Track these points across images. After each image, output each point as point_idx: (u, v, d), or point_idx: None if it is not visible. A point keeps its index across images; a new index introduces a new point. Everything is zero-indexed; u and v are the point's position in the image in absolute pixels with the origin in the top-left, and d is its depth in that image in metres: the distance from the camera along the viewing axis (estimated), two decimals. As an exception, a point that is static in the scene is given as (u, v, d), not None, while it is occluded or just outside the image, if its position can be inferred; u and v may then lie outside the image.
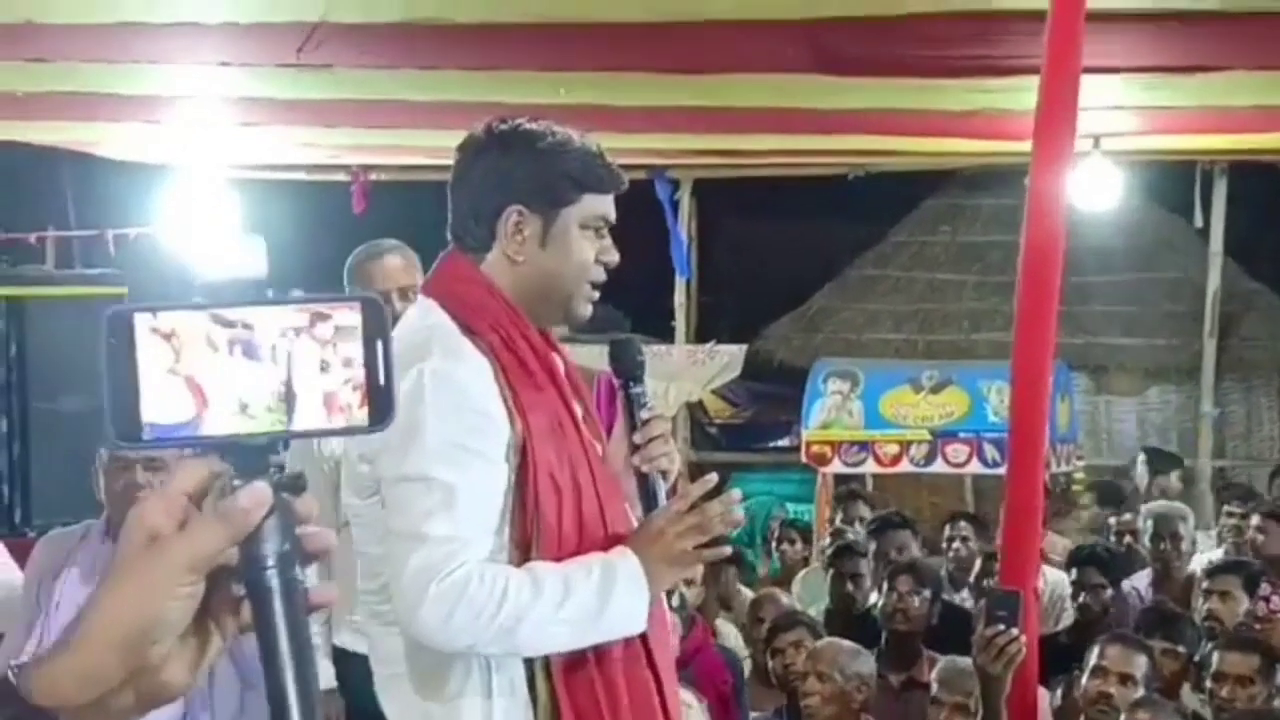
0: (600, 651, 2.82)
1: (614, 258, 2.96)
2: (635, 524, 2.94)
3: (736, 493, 2.98)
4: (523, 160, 2.88)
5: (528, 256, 2.89)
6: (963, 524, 8.13)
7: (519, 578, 2.73)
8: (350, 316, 1.32)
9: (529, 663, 2.80)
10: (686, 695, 5.95)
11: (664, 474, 2.96)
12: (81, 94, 7.34)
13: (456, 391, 2.76)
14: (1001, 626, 4.33)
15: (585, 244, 2.91)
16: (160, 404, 1.29)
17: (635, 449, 2.96)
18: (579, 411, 2.94)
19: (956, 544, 7.98)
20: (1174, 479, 9.61)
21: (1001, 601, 4.44)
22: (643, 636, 2.86)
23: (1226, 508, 8.42)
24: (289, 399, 1.30)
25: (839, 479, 9.94)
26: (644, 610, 2.81)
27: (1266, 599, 5.77)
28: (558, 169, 2.88)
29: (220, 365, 1.29)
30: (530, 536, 2.77)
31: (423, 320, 2.91)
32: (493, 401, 2.78)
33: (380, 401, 1.32)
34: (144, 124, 8.27)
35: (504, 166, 2.89)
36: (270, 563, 1.28)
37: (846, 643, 5.78)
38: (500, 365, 2.81)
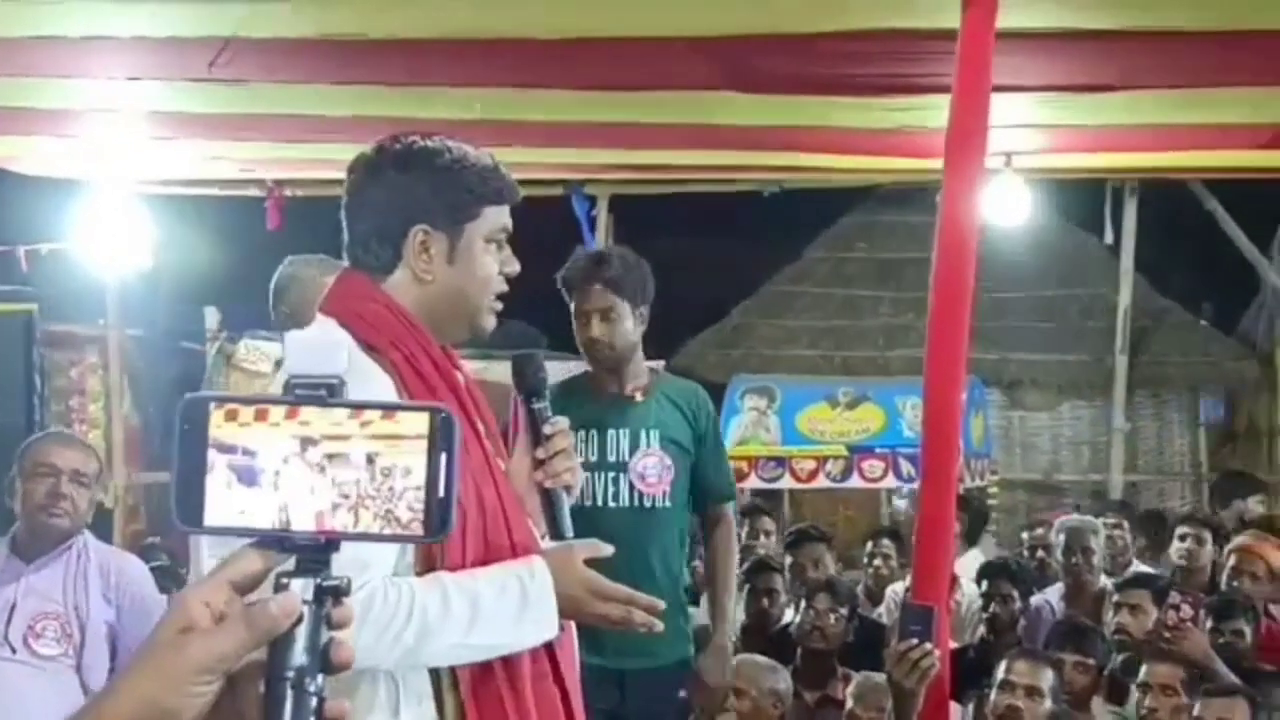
0: (509, 666, 2.80)
1: (515, 268, 2.96)
2: (539, 540, 2.93)
3: (660, 604, 2.97)
4: (423, 179, 2.87)
5: (436, 274, 2.88)
6: (885, 541, 8.17)
7: (425, 594, 2.71)
8: (418, 424, 1.33)
9: (435, 677, 2.79)
10: None
11: (568, 489, 2.96)
12: (-9, 108, 7.27)
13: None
14: (915, 641, 4.36)
15: (489, 258, 2.92)
16: (223, 499, 1.32)
17: (539, 464, 2.95)
18: (482, 429, 2.94)
19: (878, 561, 8.02)
20: (1252, 503, 9.60)
21: (916, 616, 4.46)
22: (550, 650, 2.86)
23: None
24: (344, 503, 1.32)
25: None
26: (554, 625, 2.81)
27: (1177, 608, 5.83)
28: (459, 185, 2.88)
29: (282, 467, 1.32)
30: (434, 553, 2.76)
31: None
32: None
33: (437, 512, 1.33)
34: (56, 138, 8.18)
35: (405, 186, 2.88)
36: (287, 674, 1.30)
37: (763, 659, 5.80)
38: (402, 381, 2.80)
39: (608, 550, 2.93)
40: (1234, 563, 6.97)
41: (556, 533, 2.98)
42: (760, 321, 12.88)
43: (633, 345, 5.06)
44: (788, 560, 7.63)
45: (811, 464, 9.54)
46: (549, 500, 2.95)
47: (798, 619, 6.61)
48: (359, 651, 2.63)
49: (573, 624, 2.97)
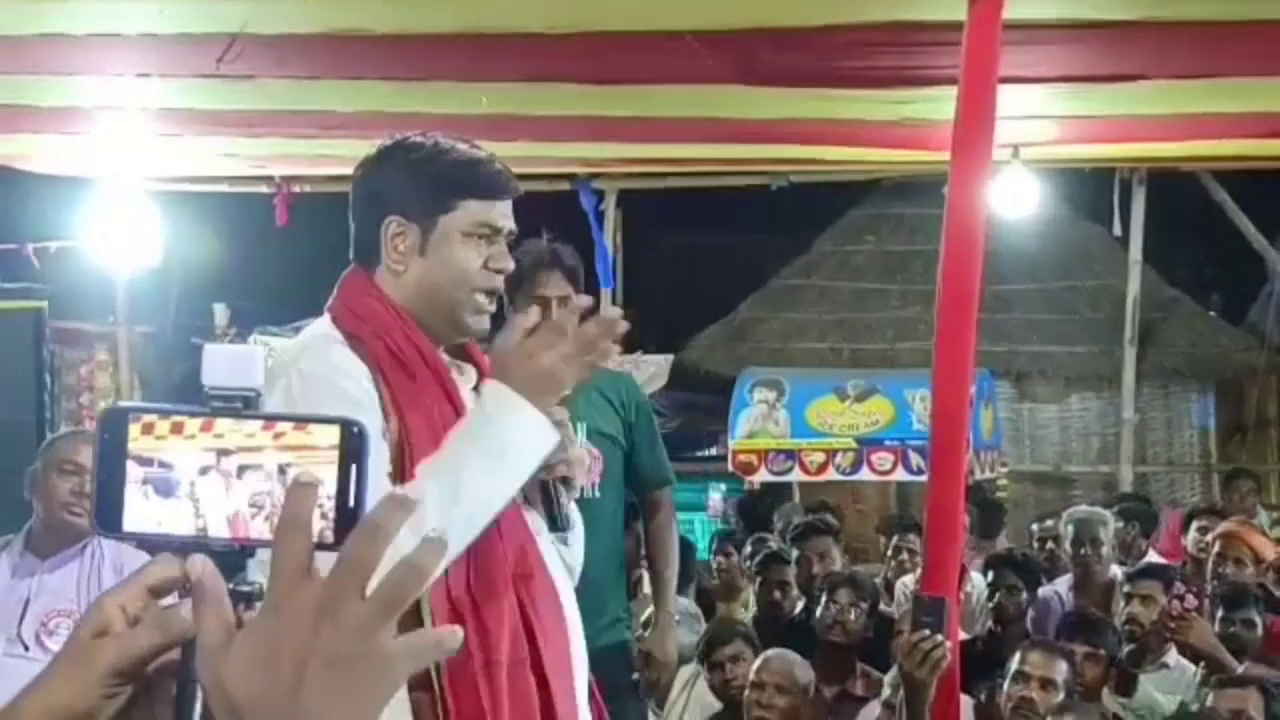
0: (486, 648, 2.79)
1: (506, 264, 2.95)
2: (534, 531, 2.93)
3: (615, 311, 2.92)
4: (396, 171, 2.91)
5: (408, 266, 2.90)
6: (910, 536, 8.04)
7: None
8: (329, 436, 1.36)
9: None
10: None
11: (566, 482, 2.94)
12: (0, 106, 7.27)
13: (325, 389, 2.76)
14: (927, 632, 4.37)
15: (469, 251, 2.90)
16: (141, 508, 1.36)
17: None
18: None
19: (903, 555, 7.94)
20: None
21: (927, 607, 4.47)
22: (531, 638, 2.84)
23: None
24: (258, 512, 1.35)
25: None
26: (538, 421, 2.74)
27: (1181, 598, 5.84)
28: (429, 177, 2.89)
29: (198, 478, 1.35)
30: None
31: (304, 334, 3.00)
32: (366, 398, 2.78)
33: (348, 523, 1.34)
34: (64, 136, 8.19)
35: (379, 178, 2.93)
36: (197, 675, 1.31)
37: (790, 653, 5.77)
38: (380, 370, 2.82)
39: (530, 317, 2.84)
40: (1219, 549, 6.99)
41: (555, 526, 2.98)
42: (769, 315, 12.87)
43: None
44: (794, 553, 7.63)
45: (821, 457, 9.55)
46: (546, 494, 2.95)
47: (818, 612, 6.61)
48: None
49: (567, 620, 2.94)
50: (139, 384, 11.66)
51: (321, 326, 2.93)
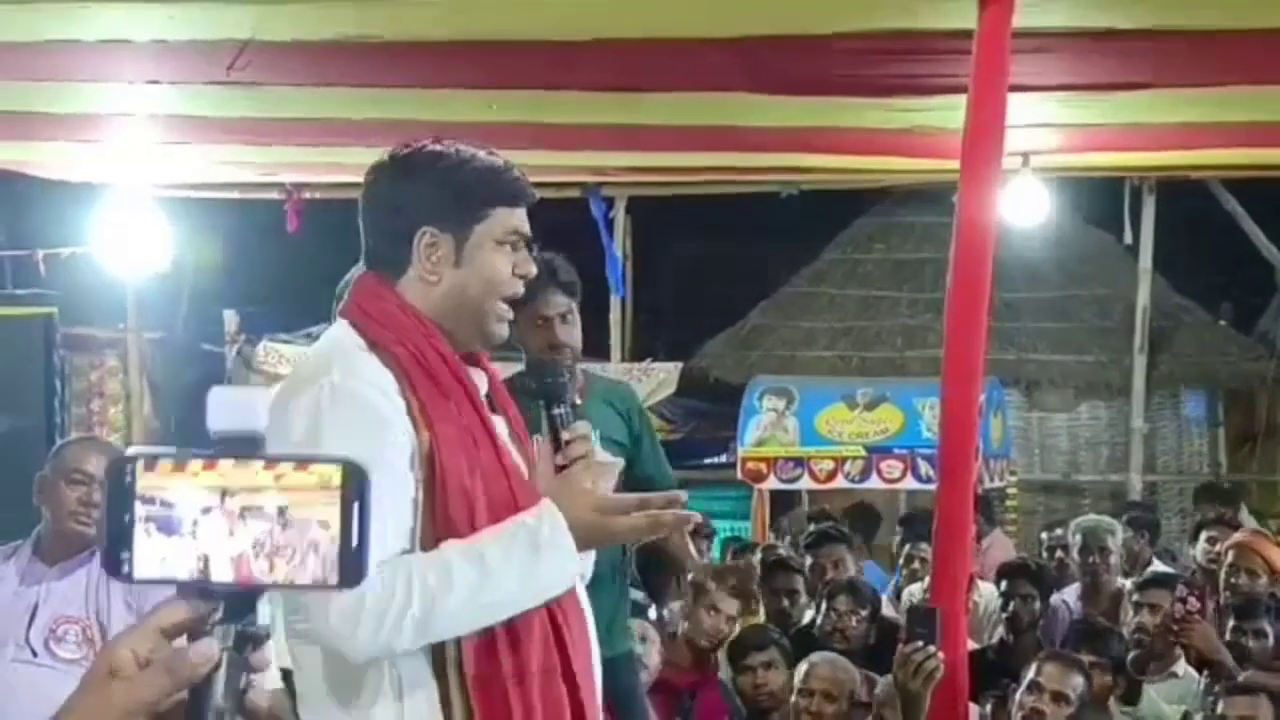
0: (517, 659, 2.79)
1: (531, 270, 2.96)
2: None
3: (681, 495, 2.94)
4: (428, 181, 2.89)
5: (442, 276, 2.89)
6: (923, 545, 8.03)
7: (424, 566, 2.70)
8: (330, 476, 1.38)
9: (443, 678, 2.79)
10: None
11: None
12: (10, 113, 7.28)
13: (356, 405, 2.75)
14: (920, 643, 4.36)
15: (501, 259, 2.91)
16: (145, 547, 1.38)
17: (560, 469, 2.94)
18: (502, 428, 2.94)
19: (916, 564, 7.94)
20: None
21: (920, 618, 4.46)
22: (561, 646, 2.85)
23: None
24: (260, 552, 1.37)
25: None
26: (574, 562, 2.79)
27: (1184, 600, 5.84)
28: (464, 186, 2.88)
29: (200, 517, 1.37)
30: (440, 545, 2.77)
31: (327, 340, 2.94)
32: (395, 413, 2.77)
33: (350, 563, 1.36)
34: (74, 143, 8.21)
35: (410, 189, 2.90)
36: (206, 716, 1.35)
37: (841, 659, 5.74)
38: (407, 378, 2.81)
39: (616, 465, 2.92)
40: (1232, 559, 6.97)
41: None
42: (778, 323, 12.87)
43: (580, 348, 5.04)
44: (808, 561, 7.62)
45: (830, 464, 9.55)
46: None
47: (819, 620, 6.60)
48: (362, 645, 2.66)
49: (589, 627, 2.96)
50: (148, 390, 11.67)
51: (342, 333, 2.90)
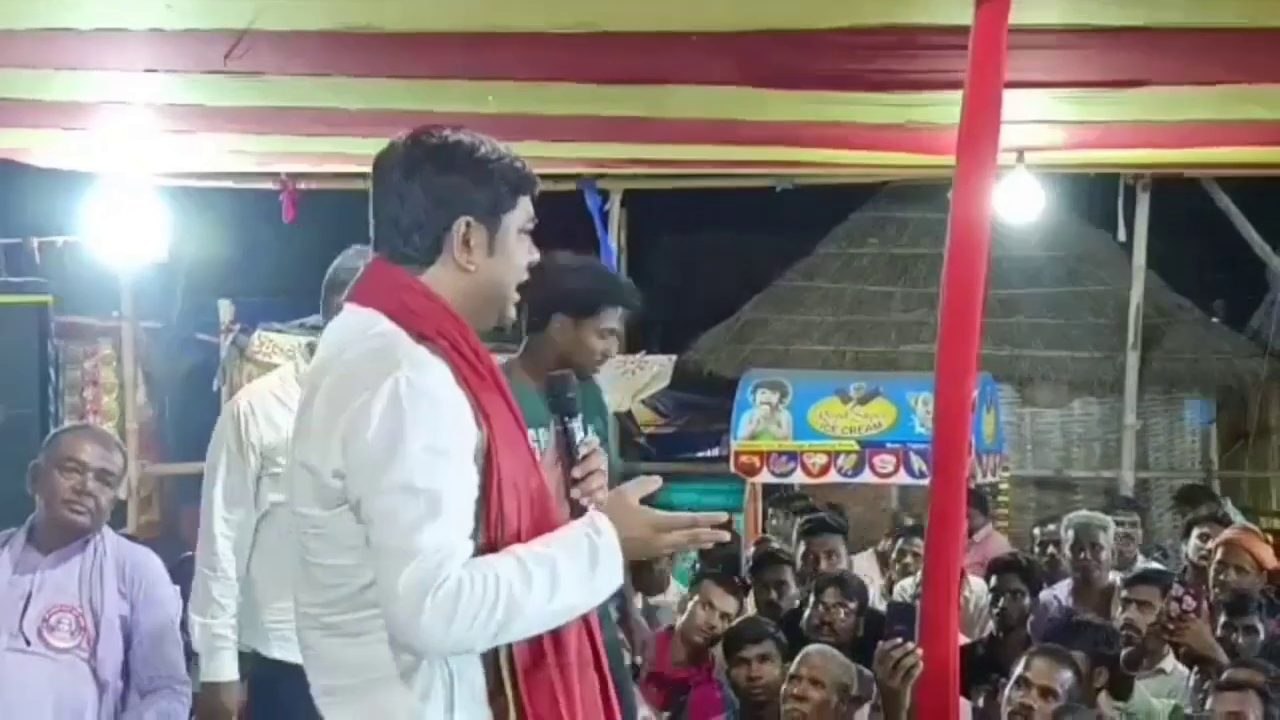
0: (560, 651, 2.86)
1: (536, 257, 3.03)
2: None
3: (722, 516, 3.04)
4: (466, 172, 2.91)
5: (478, 265, 2.92)
6: (917, 540, 7.99)
7: (508, 571, 2.74)
8: None
9: (494, 669, 2.82)
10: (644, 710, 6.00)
11: (600, 506, 2.97)
12: (6, 100, 7.28)
13: (432, 398, 2.77)
14: (899, 640, 4.37)
15: (523, 247, 2.99)
16: None
17: (575, 482, 3.02)
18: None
19: (908, 559, 7.92)
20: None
21: (899, 614, 4.48)
22: (592, 638, 2.93)
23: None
24: None
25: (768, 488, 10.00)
26: (620, 574, 2.87)
27: (1179, 600, 5.86)
28: (498, 177, 2.93)
29: None
30: (495, 541, 2.79)
31: (372, 331, 2.90)
32: (463, 405, 2.81)
33: None
34: (69, 131, 8.20)
35: (449, 181, 2.91)
36: None
37: (837, 653, 5.76)
38: (458, 371, 2.83)
39: (656, 483, 2.99)
40: (1221, 556, 7.01)
41: None
42: (772, 317, 12.86)
43: None
44: (801, 548, 7.62)
45: (823, 459, 9.55)
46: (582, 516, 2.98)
47: (806, 613, 6.62)
48: (453, 638, 2.70)
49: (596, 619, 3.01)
50: (142, 378, 11.67)
51: (385, 324, 2.89)
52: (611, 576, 2.84)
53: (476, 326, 2.96)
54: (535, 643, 2.83)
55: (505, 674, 2.82)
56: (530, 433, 3.01)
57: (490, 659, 2.83)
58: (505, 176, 2.94)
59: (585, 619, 2.92)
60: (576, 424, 3.05)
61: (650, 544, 2.93)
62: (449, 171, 2.91)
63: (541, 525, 2.86)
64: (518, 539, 2.80)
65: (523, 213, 2.97)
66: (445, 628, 2.69)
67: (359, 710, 2.87)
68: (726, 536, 3.07)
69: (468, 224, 2.90)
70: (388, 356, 2.81)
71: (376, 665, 2.84)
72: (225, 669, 4.98)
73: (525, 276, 3.01)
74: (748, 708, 5.99)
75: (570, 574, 2.78)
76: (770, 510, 9.64)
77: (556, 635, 2.85)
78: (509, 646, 2.81)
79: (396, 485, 2.72)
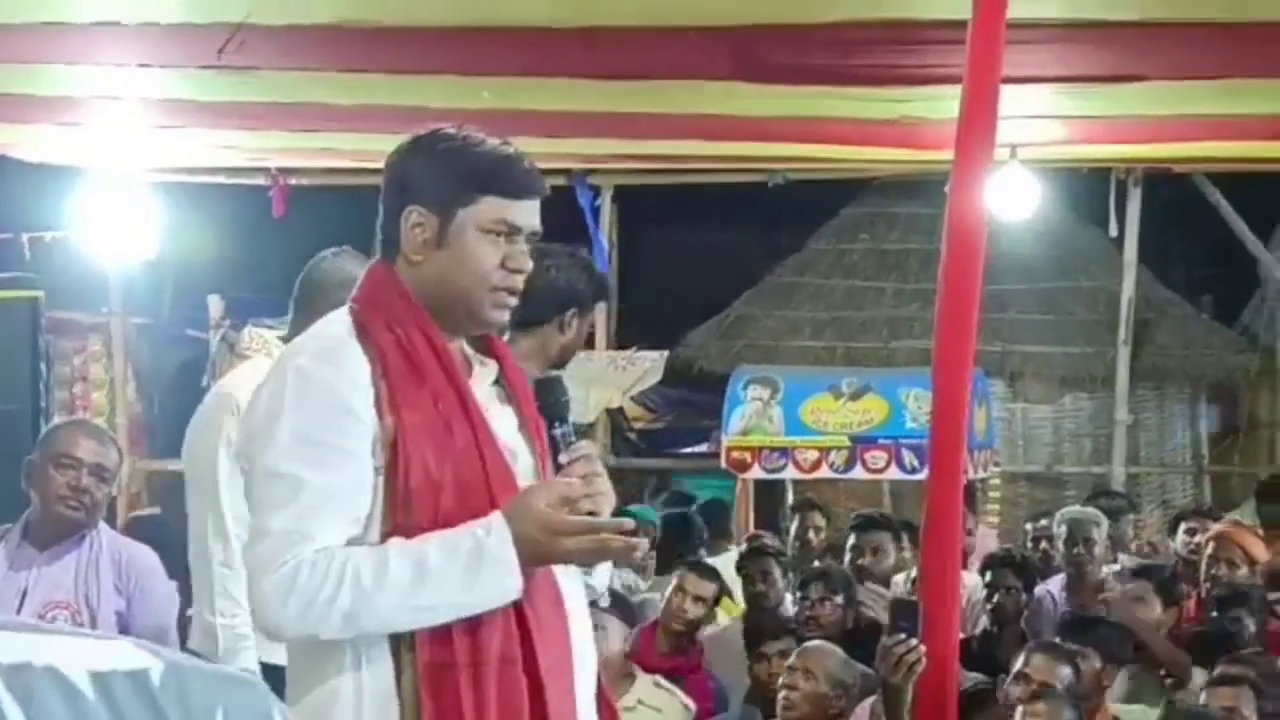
0: (475, 648, 2.77)
1: (523, 264, 2.92)
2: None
3: (629, 523, 2.90)
4: (422, 161, 2.90)
5: (425, 257, 2.88)
6: (877, 533, 7.92)
7: (361, 560, 2.71)
8: None
9: (397, 661, 2.78)
10: (674, 698, 5.99)
11: (591, 515, 2.88)
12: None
13: (318, 389, 2.77)
14: (902, 636, 4.37)
15: (486, 248, 2.88)
16: None
17: None
18: (508, 418, 2.93)
19: (867, 557, 7.87)
20: None
21: (903, 611, 4.47)
22: (526, 636, 2.81)
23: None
24: None
25: (759, 484, 10.00)
26: (517, 578, 2.77)
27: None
28: (454, 169, 2.87)
29: None
30: (402, 531, 2.77)
31: (316, 325, 2.96)
32: (360, 400, 2.78)
33: None
34: (60, 126, 8.19)
35: (405, 168, 2.92)
36: None
37: (837, 649, 5.75)
38: (382, 365, 2.81)
39: (577, 486, 2.86)
40: (1212, 550, 7.03)
41: None
42: (763, 312, 12.85)
43: None
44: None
45: (815, 455, 9.54)
46: None
47: (794, 608, 6.63)
48: (288, 623, 2.68)
49: (571, 621, 2.94)
50: (133, 375, 11.66)
51: (334, 319, 2.92)
52: (502, 579, 2.75)
53: (450, 326, 2.91)
54: (444, 642, 2.76)
55: (407, 664, 2.76)
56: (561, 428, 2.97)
57: (395, 647, 2.77)
58: (465, 170, 2.87)
59: (520, 617, 2.81)
60: (564, 430, 2.96)
61: (551, 549, 2.79)
62: (409, 160, 2.92)
63: (479, 515, 2.80)
64: (435, 528, 2.77)
65: (487, 212, 2.86)
66: (281, 610, 2.70)
67: (290, 697, 2.87)
68: (642, 546, 2.96)
69: (417, 212, 2.87)
70: (297, 347, 2.88)
71: (293, 654, 2.88)
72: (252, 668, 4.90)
73: (500, 282, 2.89)
74: (767, 703, 5.97)
75: (443, 572, 2.71)
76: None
77: (473, 634, 2.77)
78: (412, 638, 2.76)
79: (264, 468, 2.76)
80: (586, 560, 2.91)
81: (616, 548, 2.86)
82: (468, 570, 2.73)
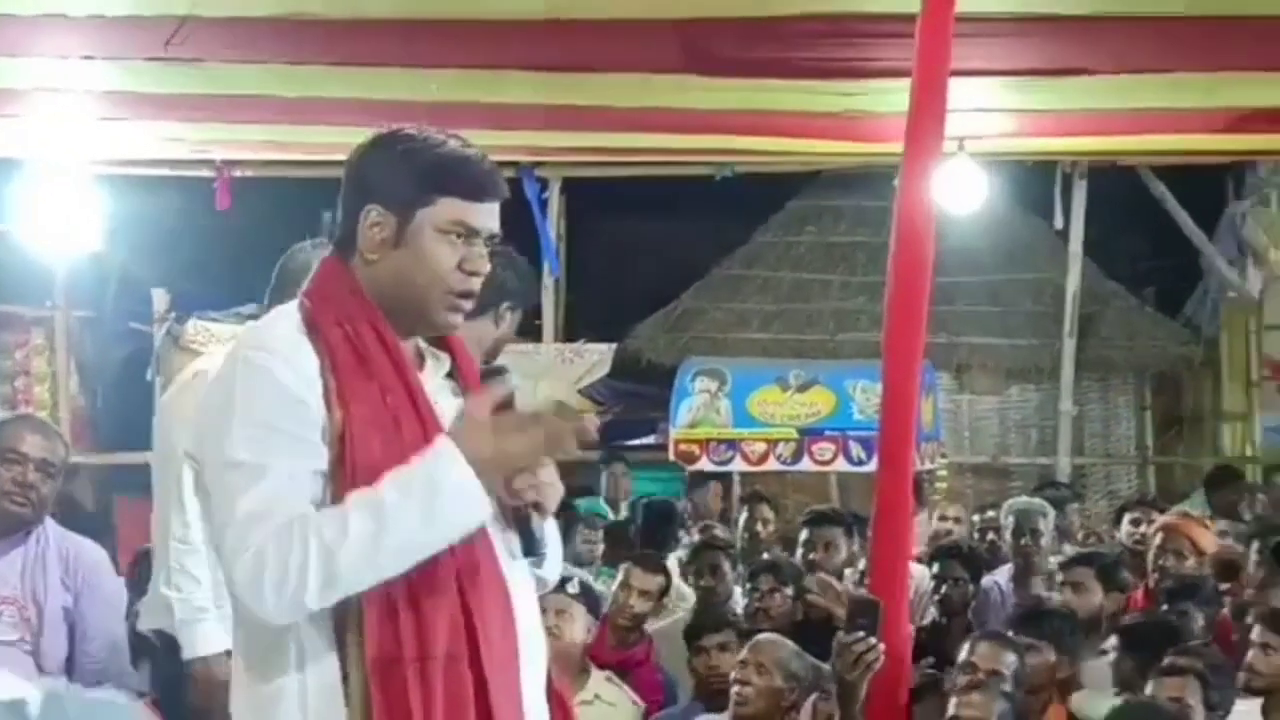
0: (422, 642, 2.74)
1: (480, 267, 2.90)
2: (494, 541, 2.88)
3: (569, 406, 2.90)
4: (381, 160, 2.88)
5: (381, 256, 2.87)
6: (829, 529, 7.91)
7: (321, 524, 2.68)
8: None
9: (342, 656, 2.76)
10: (624, 694, 5.98)
11: (537, 506, 2.88)
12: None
13: (267, 379, 2.76)
14: (861, 634, 4.37)
15: (443, 249, 2.86)
16: None
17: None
18: (444, 406, 2.90)
19: (818, 552, 7.88)
20: None
21: (862, 609, 4.48)
22: (471, 634, 2.79)
23: None
24: None
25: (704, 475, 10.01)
26: (478, 498, 2.73)
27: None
28: (412, 169, 2.85)
29: None
30: None
31: (266, 318, 2.98)
32: (309, 391, 2.77)
33: None
34: (2, 118, 8.11)
35: (366, 166, 2.90)
36: None
37: (789, 643, 5.75)
38: (330, 360, 2.80)
39: (506, 386, 2.85)
40: (1160, 541, 7.06)
41: (529, 550, 2.94)
42: (711, 305, 12.87)
43: None
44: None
45: (762, 446, 9.56)
46: (520, 520, 2.91)
47: (743, 601, 6.62)
48: (272, 606, 2.66)
49: (518, 613, 2.92)
50: (76, 369, 11.57)
51: (284, 312, 2.91)
52: (464, 504, 2.72)
53: (405, 325, 2.89)
54: (391, 636, 2.73)
55: (354, 660, 2.73)
56: None
57: (340, 641, 2.75)
58: (424, 170, 2.85)
59: (466, 612, 2.78)
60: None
61: (502, 453, 2.74)
62: (369, 158, 2.90)
63: None
64: None
65: (445, 213, 2.84)
66: (257, 593, 2.67)
67: (237, 688, 2.87)
68: (591, 425, 2.89)
69: (376, 212, 2.85)
70: (246, 340, 2.87)
71: (247, 646, 2.86)
72: (212, 639, 4.64)
73: (456, 284, 2.87)
74: (708, 696, 5.97)
75: (403, 509, 2.68)
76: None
77: (421, 629, 2.74)
78: (359, 635, 2.73)
79: (222, 460, 2.74)
80: (541, 456, 2.85)
81: (567, 431, 2.81)
82: (426, 498, 2.69)
